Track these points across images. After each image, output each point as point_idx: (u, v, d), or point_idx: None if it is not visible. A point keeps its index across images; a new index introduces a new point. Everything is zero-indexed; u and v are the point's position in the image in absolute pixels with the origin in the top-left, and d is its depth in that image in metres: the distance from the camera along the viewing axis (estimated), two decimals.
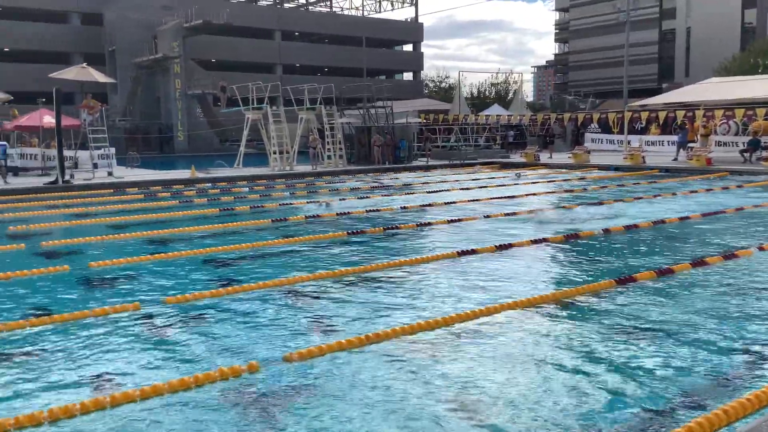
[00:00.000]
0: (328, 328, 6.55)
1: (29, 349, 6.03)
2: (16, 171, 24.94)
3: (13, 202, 17.66)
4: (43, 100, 29.87)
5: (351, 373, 5.38)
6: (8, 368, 5.55)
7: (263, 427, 4.46)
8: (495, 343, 6.06)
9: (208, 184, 22.33)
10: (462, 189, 19.65)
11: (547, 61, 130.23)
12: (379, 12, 67.93)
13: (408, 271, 8.99)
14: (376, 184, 21.94)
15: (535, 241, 10.82)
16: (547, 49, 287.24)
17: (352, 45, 61.79)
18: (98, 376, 5.40)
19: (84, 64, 26.25)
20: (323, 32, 60.99)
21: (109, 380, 5.29)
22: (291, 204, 16.82)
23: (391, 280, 8.53)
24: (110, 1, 47.44)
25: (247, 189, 21.03)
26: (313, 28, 60.69)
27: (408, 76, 73.28)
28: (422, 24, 70.54)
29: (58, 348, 6.05)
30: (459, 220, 13.23)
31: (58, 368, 5.55)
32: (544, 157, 30.56)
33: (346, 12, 68.41)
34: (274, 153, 26.78)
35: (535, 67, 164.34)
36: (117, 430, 4.43)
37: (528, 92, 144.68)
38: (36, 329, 6.58)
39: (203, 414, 4.66)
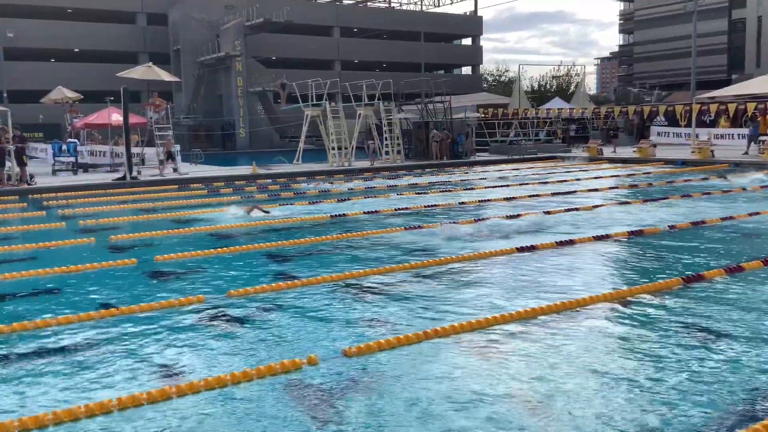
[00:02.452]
0: (388, 323, 6.56)
1: (98, 339, 6.26)
2: (86, 167, 25.92)
3: (84, 197, 18.35)
4: (111, 98, 30.95)
5: (409, 369, 5.37)
6: (78, 358, 5.78)
7: (323, 421, 4.50)
8: (555, 342, 5.96)
9: (268, 180, 22.70)
10: (521, 184, 19.38)
11: (610, 53, 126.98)
12: (438, 6, 67.58)
13: (467, 267, 8.93)
14: (435, 180, 21.85)
15: (598, 238, 10.58)
16: (610, 41, 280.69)
17: (411, 40, 61.68)
18: (164, 366, 5.56)
19: (150, 64, 27.04)
20: (381, 28, 61.07)
21: (175, 371, 5.44)
22: (349, 199, 16.93)
23: (451, 275, 8.49)
24: (175, 2, 48.69)
25: (305, 185, 21.28)
26: (371, 23, 60.85)
27: (467, 70, 72.72)
28: (481, 17, 69.86)
29: (126, 339, 6.26)
30: (518, 216, 13.05)
31: (125, 358, 5.74)
32: (607, 151, 29.85)
33: (404, 7, 68.34)
34: (333, 149, 27.01)
35: (598, 58, 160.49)
36: (182, 420, 4.55)
37: (591, 85, 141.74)
38: (105, 320, 6.82)
39: (265, 406, 4.74)
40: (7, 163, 20.53)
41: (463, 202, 15.62)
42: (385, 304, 7.29)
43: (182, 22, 47.88)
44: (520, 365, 5.38)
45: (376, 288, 7.95)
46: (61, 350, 5.95)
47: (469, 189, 18.69)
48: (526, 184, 19.54)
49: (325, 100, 27.48)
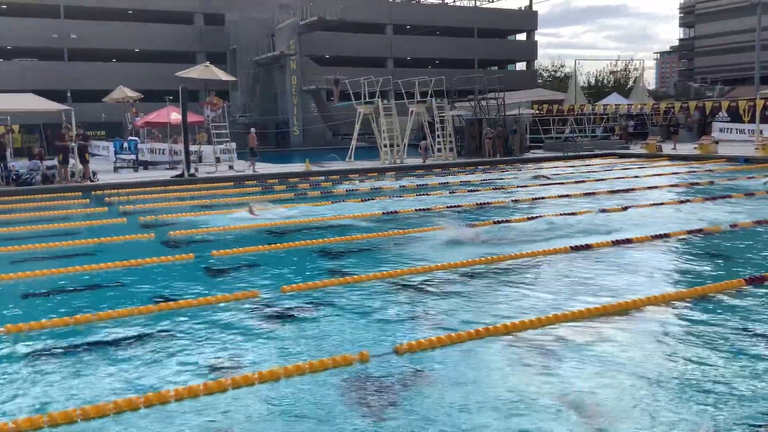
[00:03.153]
0: (440, 321, 6.55)
1: (156, 332, 6.44)
2: (146, 165, 26.66)
3: (144, 193, 18.89)
4: (170, 97, 31.74)
5: (461, 367, 5.35)
6: (137, 350, 5.95)
7: (373, 417, 4.53)
8: (610, 343, 5.84)
9: (321, 177, 22.91)
10: (576, 182, 19.04)
11: (670, 47, 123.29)
12: (492, 1, 66.90)
13: (520, 265, 8.83)
14: (487, 177, 21.67)
15: (657, 237, 10.31)
16: (670, 34, 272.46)
17: (464, 36, 61.24)
18: (219, 359, 5.68)
19: (207, 63, 27.58)
20: (434, 24, 60.81)
21: (230, 364, 5.55)
22: (401, 196, 16.94)
23: (503, 273, 8.41)
24: (232, 2, 49.55)
25: (358, 181, 21.39)
26: (424, 20, 60.62)
27: (521, 66, 71.77)
28: (536, 12, 68.87)
29: (183, 331, 6.42)
30: (572, 214, 12.82)
31: (182, 350, 5.89)
32: (667, 148, 29.04)
33: (457, 3, 67.91)
34: (385, 146, 27.08)
35: (657, 53, 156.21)
36: (237, 411, 4.64)
37: (650, 80, 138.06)
38: (163, 313, 7.01)
39: (317, 400, 4.80)
40: (71, 161, 21.28)
41: (516, 200, 15.44)
42: (437, 301, 7.27)
43: (238, 22, 48.69)
44: (573, 367, 5.30)
45: (428, 285, 7.94)
46: (122, 342, 6.15)
47: (522, 186, 18.46)
48: (582, 181, 19.18)
49: (378, 97, 27.56)
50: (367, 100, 27.91)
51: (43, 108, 23.36)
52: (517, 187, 18.42)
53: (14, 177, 20.35)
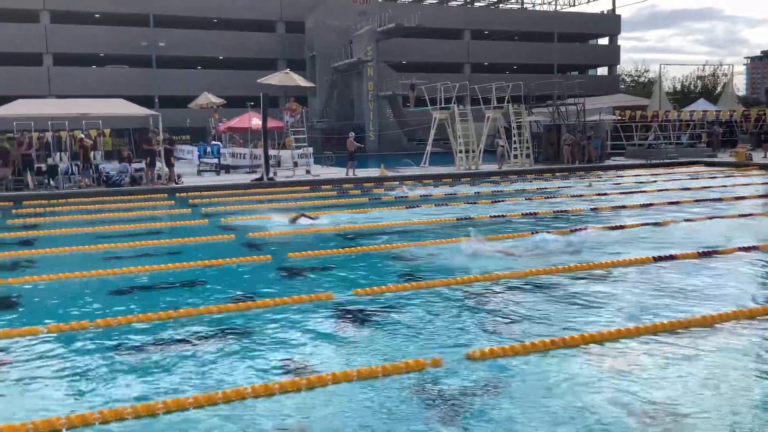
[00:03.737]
0: (514, 330, 6.46)
1: (235, 330, 6.62)
2: (227, 168, 27.48)
3: (225, 196, 19.48)
4: (252, 104, 32.60)
5: (534, 376, 5.27)
6: (216, 347, 6.14)
7: (443, 422, 4.51)
8: (689, 359, 5.61)
9: (396, 183, 23.01)
10: (659, 190, 18.40)
11: (762, 51, 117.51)
12: (573, 5, 65.55)
13: (598, 275, 8.61)
14: (565, 184, 21.23)
15: (744, 249, 9.84)
16: (762, 38, 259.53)
17: (543, 41, 60.27)
18: (293, 359, 5.79)
19: (287, 70, 28.25)
20: (513, 29, 60.13)
21: (303, 364, 5.65)
22: (476, 203, 16.81)
23: (582, 283, 8.22)
24: (312, 10, 50.56)
25: (432, 187, 21.37)
26: (502, 25, 60.05)
27: (602, 71, 69.99)
28: (620, 16, 66.93)
29: (260, 330, 6.58)
30: (656, 224, 12.40)
31: (259, 349, 6.04)
32: (757, 156, 27.65)
33: (537, 8, 66.90)
34: (460, 152, 26.94)
35: (748, 57, 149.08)
36: (310, 411, 4.72)
37: (740, 86, 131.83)
38: (241, 312, 7.21)
39: (388, 403, 4.82)
40: (157, 164, 22.19)
41: (594, 208, 15.06)
42: (513, 309, 7.18)
43: (318, 29, 49.62)
44: (650, 381, 5.12)
45: (502, 293, 7.85)
46: (203, 338, 6.36)
47: (602, 194, 17.97)
48: (665, 190, 18.51)
49: (454, 102, 27.46)
50: (443, 105, 27.84)
51: (132, 113, 24.47)
52: (597, 195, 17.95)
53: (104, 178, 21.40)
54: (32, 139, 22.39)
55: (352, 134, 26.36)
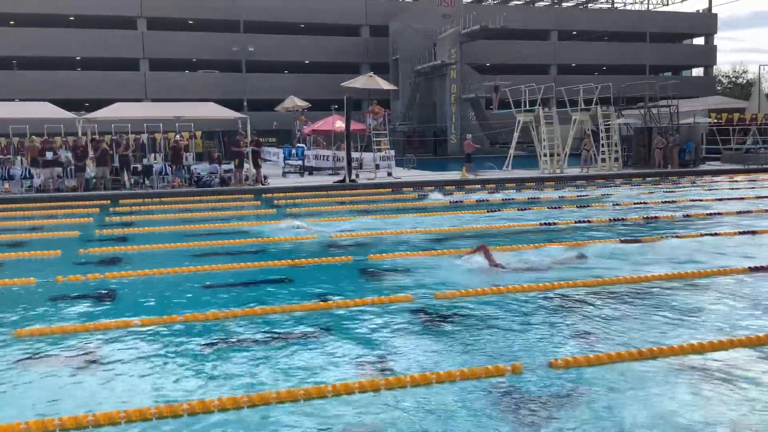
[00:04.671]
0: (599, 338, 6.28)
1: (316, 328, 6.72)
2: (311, 170, 28.01)
3: (308, 197, 19.86)
4: (336, 106, 33.12)
5: (619, 388, 5.09)
6: (297, 344, 6.26)
7: (520, 429, 4.43)
8: None
9: (477, 186, 22.80)
10: (758, 197, 17.43)
11: None
12: (667, 5, 63.08)
13: (690, 285, 8.24)
14: (656, 190, 20.45)
15: None
16: None
17: (634, 41, 58.28)
18: (372, 359, 5.83)
19: (371, 74, 28.48)
20: (602, 29, 58.43)
21: (382, 364, 5.68)
22: (559, 207, 16.44)
23: (672, 292, 7.89)
24: (396, 14, 50.88)
25: (515, 191, 21.06)
26: (591, 25, 58.43)
27: (698, 72, 67.01)
28: (716, 14, 63.90)
29: (340, 330, 6.66)
30: (753, 232, 11.75)
31: (339, 348, 6.12)
32: None
33: (628, 7, 64.75)
34: (545, 155, 26.43)
35: None
36: (389, 411, 4.74)
37: None
38: (323, 312, 7.33)
39: (467, 408, 4.77)
40: (245, 165, 22.88)
41: (688, 215, 14.43)
42: (598, 317, 6.97)
43: (402, 32, 49.88)
44: (743, 398, 4.85)
45: (587, 300, 7.64)
46: (284, 336, 6.50)
47: (696, 200, 17.19)
48: (764, 197, 17.52)
49: (539, 105, 26.96)
50: (528, 107, 27.39)
51: (222, 116, 25.33)
52: (691, 201, 17.18)
53: (195, 179, 22.25)
54: (129, 141, 23.53)
55: (469, 136, 26.35)
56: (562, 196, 18.99)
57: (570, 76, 49.33)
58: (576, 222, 13.70)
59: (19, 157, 24.64)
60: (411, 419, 4.62)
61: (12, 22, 47.55)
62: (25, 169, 21.82)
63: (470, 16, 45.16)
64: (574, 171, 26.23)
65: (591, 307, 7.37)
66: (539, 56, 56.71)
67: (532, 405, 4.79)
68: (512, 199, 18.72)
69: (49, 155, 21.28)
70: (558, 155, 26.44)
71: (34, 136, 25.29)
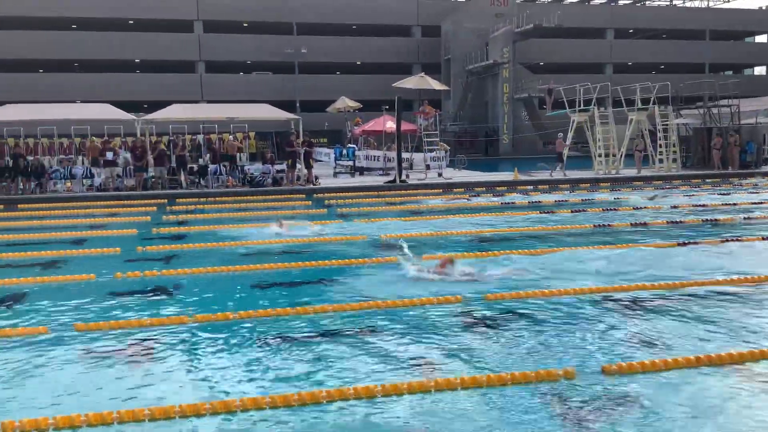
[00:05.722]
0: (654, 344, 6.12)
1: (365, 328, 6.74)
2: (361, 170, 28.13)
3: (359, 197, 19.95)
4: (386, 107, 33.18)
5: (674, 396, 4.94)
6: (346, 344, 6.29)
7: None
8: None
9: (529, 187, 22.52)
10: None
11: None
12: (727, 1, 61.06)
13: (750, 291, 7.95)
14: (716, 192, 19.81)
15: None
16: None
17: (693, 38, 56.64)
18: (421, 360, 5.81)
19: (422, 74, 28.44)
20: (660, 27, 56.95)
21: (431, 366, 5.66)
22: (614, 209, 16.08)
23: (731, 298, 7.63)
24: (448, 14, 50.69)
25: (568, 192, 20.70)
26: (649, 23, 57.03)
27: (760, 70, 64.68)
28: None
29: (389, 330, 6.66)
30: None
31: (388, 349, 6.11)
32: None
33: (687, 4, 62.96)
34: (599, 156, 25.91)
35: None
36: (438, 413, 4.72)
37: None
38: (372, 311, 7.34)
39: (517, 411, 4.72)
40: (297, 165, 23.14)
41: (748, 218, 13.94)
42: (653, 322, 6.80)
43: (454, 32, 49.67)
44: None
45: (639, 304, 7.45)
46: (334, 335, 6.53)
47: (759, 204, 16.58)
48: None
49: (594, 104, 26.46)
50: (582, 107, 26.90)
51: (275, 117, 25.66)
52: (752, 204, 16.59)
53: (249, 179, 22.62)
54: (186, 141, 24.07)
55: (560, 135, 26.00)
56: (618, 198, 18.56)
57: (626, 74, 48.23)
58: (631, 225, 13.39)
59: (80, 157, 25.49)
60: (459, 423, 4.58)
61: (74, 26, 49.27)
62: (87, 169, 22.57)
63: (524, 14, 44.65)
64: (631, 172, 25.64)
65: (651, 310, 7.18)
66: (594, 55, 55.67)
67: (581, 412, 4.70)
68: (566, 200, 18.41)
69: (109, 155, 21.95)
70: (613, 156, 25.88)
71: (94, 137, 26.17)
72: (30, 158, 22.41)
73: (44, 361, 5.91)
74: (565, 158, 25.63)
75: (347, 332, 6.62)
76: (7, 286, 8.85)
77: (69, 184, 22.08)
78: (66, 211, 17.28)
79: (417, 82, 27.02)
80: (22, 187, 21.08)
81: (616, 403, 4.84)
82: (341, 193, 21.00)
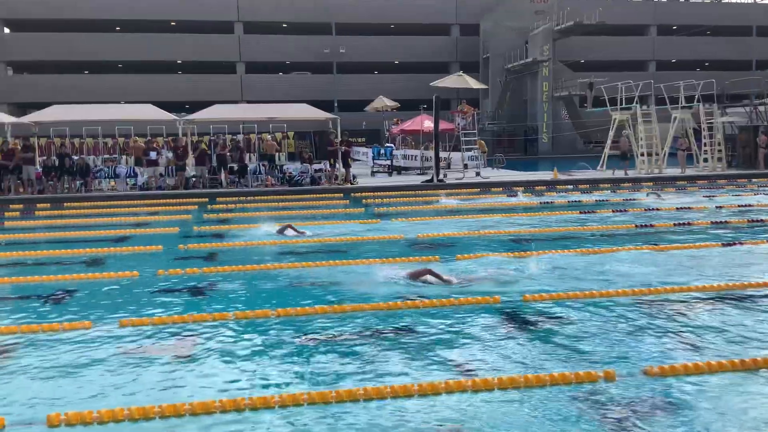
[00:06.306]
0: (698, 346, 5.98)
1: (402, 327, 6.74)
2: (399, 170, 28.15)
3: (396, 197, 19.96)
4: (424, 106, 33.11)
5: (718, 400, 4.83)
6: (387, 343, 6.30)
7: None
8: None
9: (569, 186, 22.24)
10: None
11: None
12: None
13: None
14: (764, 192, 19.29)
15: None
16: None
17: (740, 35, 55.19)
18: (458, 360, 5.78)
19: (460, 73, 28.34)
20: (705, 23, 55.66)
21: (469, 366, 5.63)
22: (657, 209, 15.78)
23: None
24: (487, 12, 50.35)
25: (609, 192, 20.38)
26: (692, 19, 55.74)
27: None
28: None
29: (426, 330, 6.64)
30: None
31: (425, 348, 6.10)
32: None
33: (733, 0, 61.40)
34: (642, 155, 25.45)
35: None
36: (476, 413, 4.69)
37: None
38: (409, 311, 7.34)
39: (556, 413, 4.66)
40: (336, 164, 23.27)
41: None
42: (697, 324, 6.65)
43: (493, 30, 49.34)
44: None
45: (687, 306, 7.30)
46: (371, 334, 6.55)
47: None
48: None
49: (636, 102, 26.00)
50: (624, 105, 26.45)
51: (313, 116, 25.84)
52: None
53: (288, 178, 22.83)
54: (226, 141, 24.39)
55: (625, 133, 25.69)
56: (660, 197, 18.19)
57: (670, 72, 47.24)
58: (675, 225, 13.12)
59: (123, 157, 26.06)
60: (495, 424, 4.55)
61: (117, 28, 50.36)
62: (130, 168, 23.06)
63: (564, 12, 44.10)
64: (674, 171, 25.13)
65: (693, 312, 7.03)
66: (636, 52, 54.69)
67: (622, 414, 4.62)
68: (607, 200, 18.13)
69: (152, 155, 22.38)
70: (656, 154, 25.40)
71: (137, 137, 26.69)
72: (75, 158, 22.97)
73: (89, 355, 6.06)
74: (631, 157, 25.22)
75: (384, 331, 6.63)
76: (53, 283, 9.10)
77: (113, 183, 22.60)
78: (110, 210, 17.68)
79: (455, 81, 26.94)
80: (67, 186, 21.65)
81: (656, 406, 4.75)
82: (378, 192, 21.04)
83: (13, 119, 25.40)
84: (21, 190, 21.16)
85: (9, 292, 8.88)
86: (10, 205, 19.23)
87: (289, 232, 12.75)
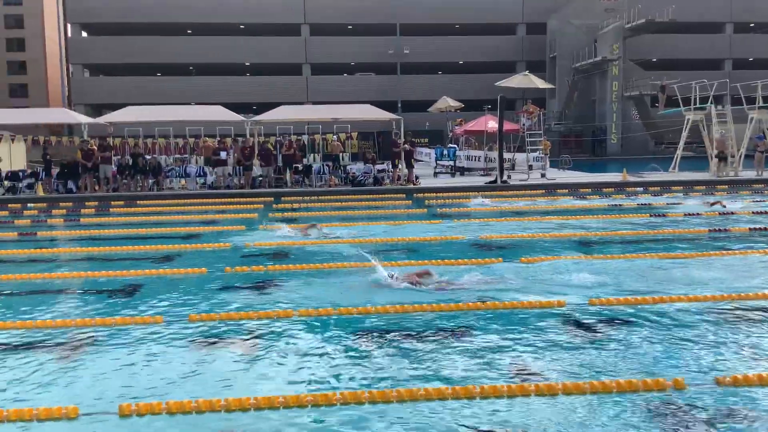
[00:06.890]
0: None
1: (465, 329, 6.70)
2: (462, 171, 27.99)
3: (459, 198, 19.85)
4: (489, 106, 32.83)
5: None
6: (446, 344, 6.27)
7: None
8: None
9: (639, 189, 21.62)
10: None
11: None
12: None
13: None
14: None
15: None
16: None
17: None
18: (522, 363, 5.71)
19: (526, 72, 27.92)
20: None
21: (532, 369, 5.55)
22: (733, 213, 15.16)
23: None
24: (554, 10, 49.51)
25: (681, 194, 19.71)
26: None
27: None
28: None
29: (489, 332, 6.58)
30: None
31: (488, 351, 6.05)
32: None
33: None
34: (716, 157, 24.49)
35: None
36: (538, 419, 4.63)
37: None
38: (472, 312, 7.28)
39: (623, 422, 4.54)
40: (399, 165, 23.32)
41: None
42: None
43: (560, 29, 48.48)
44: None
45: (762, 314, 6.98)
46: (433, 335, 6.53)
47: None
48: None
49: (710, 102, 25.04)
50: (698, 105, 25.53)
51: (377, 117, 25.96)
52: None
53: (351, 178, 23.02)
54: (292, 142, 24.79)
55: (722, 132, 24.94)
56: (736, 201, 17.48)
57: (747, 71, 45.38)
58: (750, 229, 12.59)
59: (193, 156, 26.83)
60: (561, 428, 4.47)
61: (189, 32, 51.88)
62: (200, 168, 23.73)
63: (635, 9, 42.94)
64: (751, 173, 24.10)
65: (766, 322, 6.73)
66: (711, 50, 52.75)
67: (691, 424, 4.47)
68: (678, 203, 17.54)
69: (222, 155, 22.96)
70: (732, 156, 24.40)
71: (206, 137, 27.42)
72: (148, 157, 23.80)
73: (160, 349, 6.26)
74: (732, 157, 24.28)
75: (445, 332, 6.61)
76: (126, 278, 9.45)
77: (183, 181, 23.31)
78: (180, 208, 18.22)
79: (521, 80, 26.54)
80: (140, 184, 22.45)
81: (727, 416, 4.57)
82: (441, 193, 20.98)
83: (90, 120, 26.50)
84: (97, 188, 22.08)
85: (85, 285, 9.28)
86: (86, 203, 20.08)
87: (314, 231, 12.82)
